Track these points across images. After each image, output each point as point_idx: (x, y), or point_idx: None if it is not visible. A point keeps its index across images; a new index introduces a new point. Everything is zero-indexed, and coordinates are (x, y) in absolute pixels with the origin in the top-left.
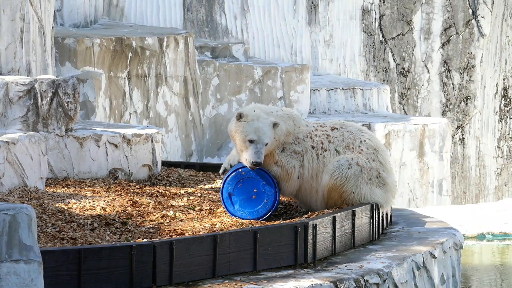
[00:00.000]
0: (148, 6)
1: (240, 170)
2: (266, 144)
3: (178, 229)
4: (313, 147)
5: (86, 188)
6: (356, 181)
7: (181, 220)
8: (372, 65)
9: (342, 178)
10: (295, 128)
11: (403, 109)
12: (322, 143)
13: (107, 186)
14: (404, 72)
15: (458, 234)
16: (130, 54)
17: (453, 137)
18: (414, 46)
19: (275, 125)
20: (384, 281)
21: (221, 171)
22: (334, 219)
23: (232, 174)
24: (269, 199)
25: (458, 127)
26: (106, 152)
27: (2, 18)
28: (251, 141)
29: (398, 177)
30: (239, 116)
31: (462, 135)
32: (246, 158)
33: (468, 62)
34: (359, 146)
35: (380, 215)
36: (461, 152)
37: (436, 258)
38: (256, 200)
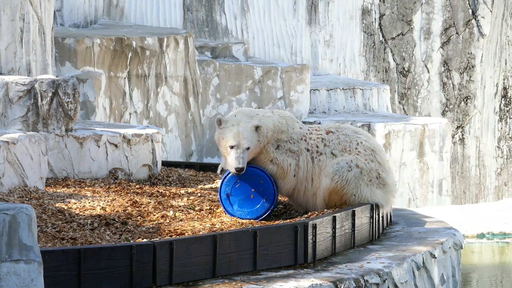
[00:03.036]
0: (148, 6)
1: None
2: (248, 148)
3: (178, 229)
4: (307, 150)
5: (86, 188)
6: (356, 183)
7: (181, 220)
8: (372, 65)
9: (342, 181)
10: (288, 127)
11: (403, 109)
12: (317, 146)
13: (107, 186)
14: (404, 72)
15: (458, 234)
16: (130, 54)
17: (453, 137)
18: (414, 46)
19: (257, 128)
20: (384, 281)
21: (218, 171)
22: (334, 219)
23: (230, 175)
24: (267, 198)
25: (458, 127)
26: (106, 152)
27: (2, 18)
28: (232, 147)
29: (398, 177)
30: (219, 123)
31: (462, 135)
32: (229, 164)
33: (468, 62)
34: (356, 148)
35: (380, 215)
36: (461, 152)
37: (436, 258)
38: (255, 199)
